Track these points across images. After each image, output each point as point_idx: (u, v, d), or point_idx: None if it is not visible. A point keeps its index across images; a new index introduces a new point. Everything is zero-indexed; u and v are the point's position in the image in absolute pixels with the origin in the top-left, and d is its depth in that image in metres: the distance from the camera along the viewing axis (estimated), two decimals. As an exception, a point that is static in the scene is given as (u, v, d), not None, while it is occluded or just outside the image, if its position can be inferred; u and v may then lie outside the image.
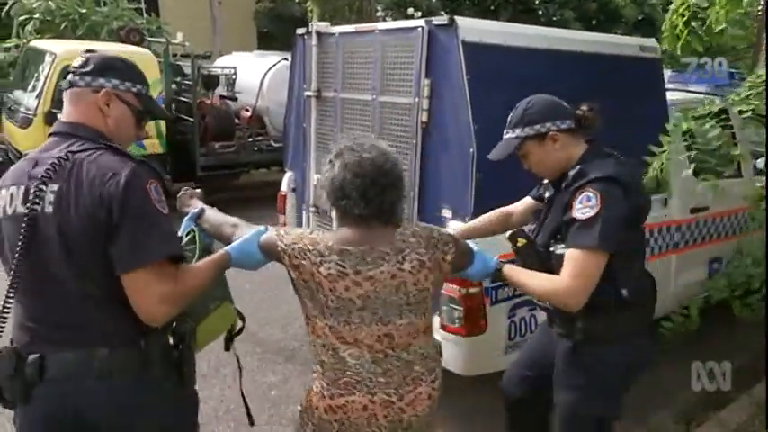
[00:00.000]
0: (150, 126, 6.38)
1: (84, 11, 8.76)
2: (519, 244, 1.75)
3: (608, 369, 1.70)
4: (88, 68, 1.42)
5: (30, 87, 6.30)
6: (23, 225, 1.26)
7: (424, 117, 2.53)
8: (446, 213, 2.52)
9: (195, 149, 6.81)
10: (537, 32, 2.59)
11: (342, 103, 3.01)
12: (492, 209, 2.47)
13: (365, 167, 1.41)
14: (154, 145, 6.46)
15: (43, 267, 1.29)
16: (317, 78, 3.12)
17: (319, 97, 3.15)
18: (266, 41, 16.71)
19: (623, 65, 2.88)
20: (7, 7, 9.13)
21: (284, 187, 3.56)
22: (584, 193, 1.60)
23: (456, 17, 2.35)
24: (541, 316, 2.68)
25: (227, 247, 1.51)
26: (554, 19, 12.78)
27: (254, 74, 7.25)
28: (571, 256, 1.58)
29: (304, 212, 3.39)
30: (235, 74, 7.18)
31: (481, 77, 2.35)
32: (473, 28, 2.39)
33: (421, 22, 2.49)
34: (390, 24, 2.78)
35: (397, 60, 2.61)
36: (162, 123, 6.50)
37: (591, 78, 2.58)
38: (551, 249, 1.71)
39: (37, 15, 8.66)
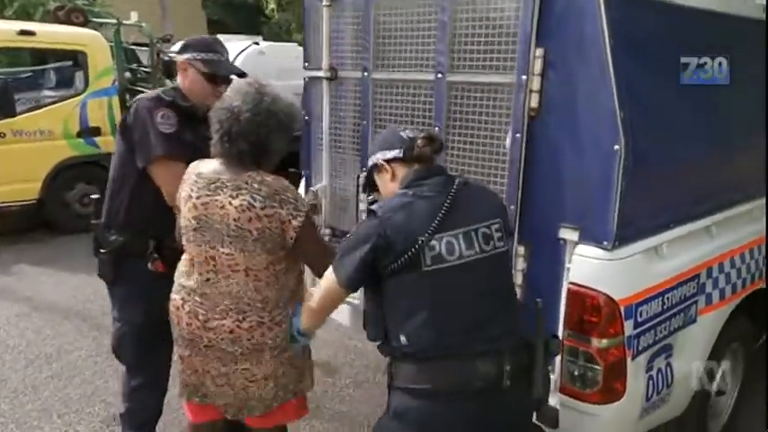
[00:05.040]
0: (103, 122, 5.44)
1: (12, -12, 7.54)
2: None
3: (392, 415, 1.54)
4: None
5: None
6: None
7: (534, 102, 1.81)
8: (567, 235, 1.82)
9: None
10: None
11: (373, 85, 2.24)
12: (640, 229, 1.83)
13: (224, 116, 1.64)
14: (106, 143, 5.48)
15: None
16: (330, 52, 2.33)
17: (334, 78, 2.37)
18: (217, 29, 15.51)
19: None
20: None
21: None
22: None
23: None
24: (677, 364, 2.07)
25: None
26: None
27: (220, 60, 6.32)
28: None
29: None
30: (200, 60, 6.22)
31: (631, 45, 1.67)
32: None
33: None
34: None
35: (485, 20, 1.87)
36: (115, 118, 5.53)
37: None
38: None
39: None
